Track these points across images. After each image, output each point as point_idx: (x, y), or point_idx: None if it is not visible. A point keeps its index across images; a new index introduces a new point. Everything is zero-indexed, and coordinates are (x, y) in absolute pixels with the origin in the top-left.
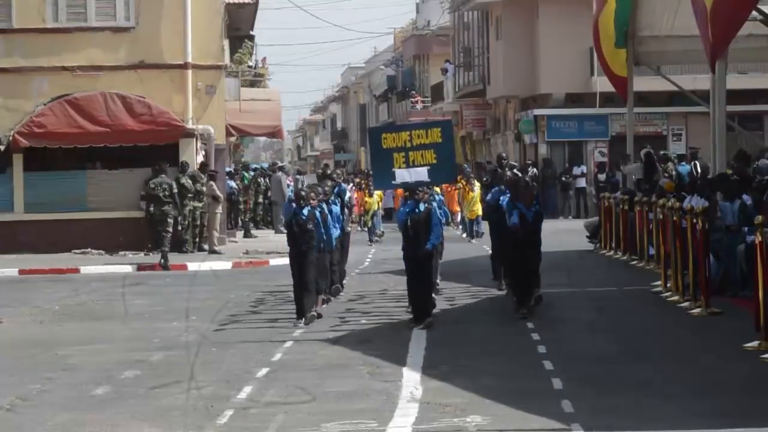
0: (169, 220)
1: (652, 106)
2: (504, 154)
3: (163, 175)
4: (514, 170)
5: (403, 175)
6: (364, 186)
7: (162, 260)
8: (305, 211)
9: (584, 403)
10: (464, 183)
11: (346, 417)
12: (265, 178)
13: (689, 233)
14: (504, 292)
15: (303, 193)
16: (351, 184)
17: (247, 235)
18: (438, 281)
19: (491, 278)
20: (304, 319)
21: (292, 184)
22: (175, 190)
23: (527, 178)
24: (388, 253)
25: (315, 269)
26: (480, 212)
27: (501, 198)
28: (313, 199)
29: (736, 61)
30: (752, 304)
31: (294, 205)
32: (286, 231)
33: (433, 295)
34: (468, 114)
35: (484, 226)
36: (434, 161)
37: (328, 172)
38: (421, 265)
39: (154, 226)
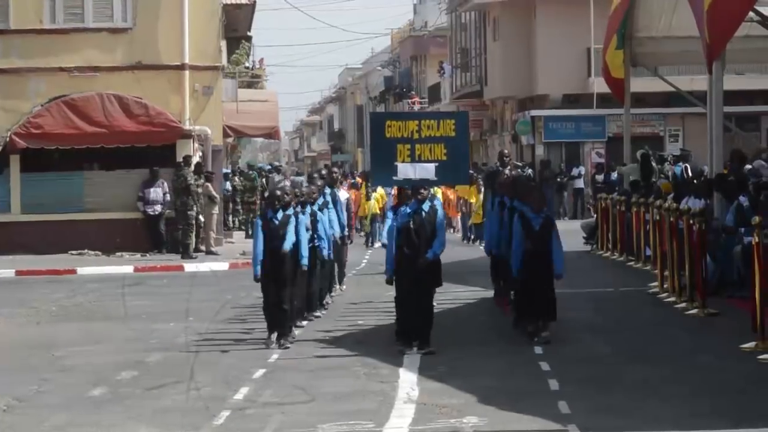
0: (189, 213)
1: (649, 107)
2: (506, 152)
3: (186, 168)
4: (520, 169)
5: (406, 170)
6: (360, 185)
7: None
8: (279, 215)
9: (581, 404)
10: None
11: (342, 418)
12: (263, 179)
13: (686, 234)
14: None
15: (278, 192)
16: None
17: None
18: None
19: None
20: (277, 340)
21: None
22: (191, 182)
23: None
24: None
25: (292, 284)
26: (481, 218)
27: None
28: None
29: (733, 62)
30: (749, 305)
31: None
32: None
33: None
34: None
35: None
36: (444, 158)
37: (321, 173)
38: (420, 279)
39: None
